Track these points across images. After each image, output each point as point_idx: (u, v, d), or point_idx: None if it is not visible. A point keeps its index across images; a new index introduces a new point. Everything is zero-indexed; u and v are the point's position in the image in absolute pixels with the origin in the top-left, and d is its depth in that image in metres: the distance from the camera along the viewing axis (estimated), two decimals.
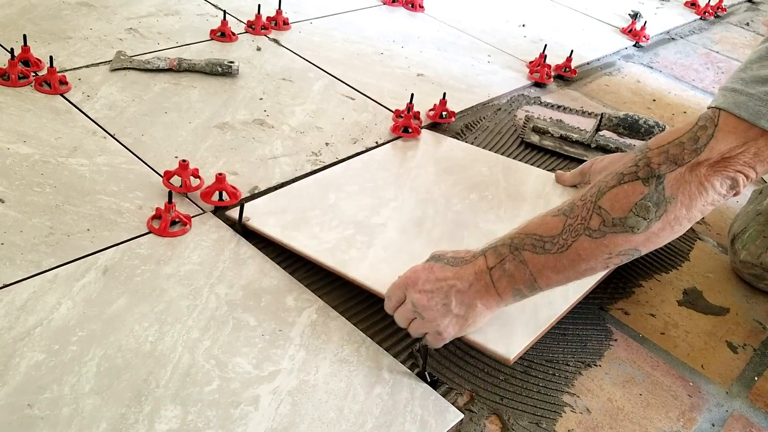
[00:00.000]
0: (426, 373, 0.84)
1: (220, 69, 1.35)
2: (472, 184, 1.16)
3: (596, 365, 0.92)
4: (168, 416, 0.74)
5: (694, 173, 0.74)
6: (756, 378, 0.96)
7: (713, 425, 0.88)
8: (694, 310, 1.05)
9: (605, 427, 0.84)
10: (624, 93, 1.66)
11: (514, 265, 0.79)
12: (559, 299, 0.93)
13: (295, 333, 0.87)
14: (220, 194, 1.03)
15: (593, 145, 1.36)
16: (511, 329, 0.87)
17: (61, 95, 1.22)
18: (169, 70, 1.34)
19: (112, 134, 1.15)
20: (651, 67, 1.81)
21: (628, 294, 1.05)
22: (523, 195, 1.15)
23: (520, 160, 1.30)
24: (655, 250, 1.14)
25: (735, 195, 0.77)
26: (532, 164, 1.30)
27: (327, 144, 1.23)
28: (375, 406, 0.80)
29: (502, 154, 1.31)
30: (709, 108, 0.77)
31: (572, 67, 1.64)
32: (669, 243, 1.16)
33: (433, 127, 1.35)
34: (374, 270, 0.94)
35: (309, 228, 1.01)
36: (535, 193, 1.16)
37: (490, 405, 0.84)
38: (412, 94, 1.31)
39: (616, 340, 0.97)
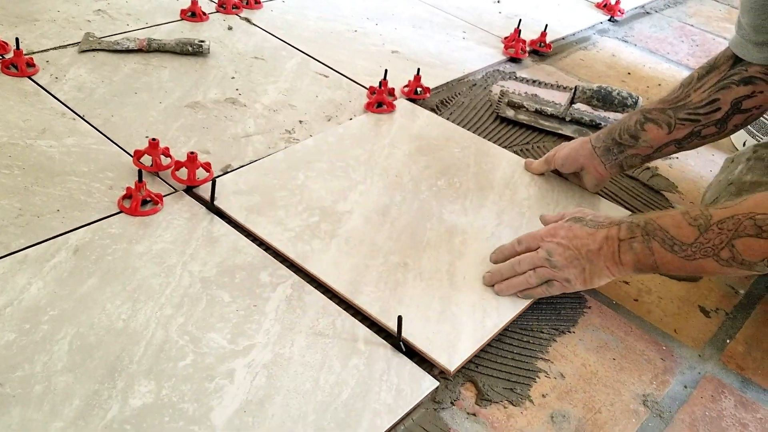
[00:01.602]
0: (401, 342, 0.84)
1: (190, 49, 1.34)
2: (443, 167, 1.16)
3: (570, 332, 0.93)
4: (142, 391, 0.74)
5: None
6: (728, 341, 0.97)
7: (686, 387, 0.89)
8: (667, 276, 1.06)
9: (579, 391, 0.85)
10: (599, 67, 1.66)
11: (642, 247, 0.83)
12: (507, 305, 0.92)
13: (269, 308, 0.86)
14: (192, 173, 1.02)
15: (568, 119, 1.37)
16: (456, 336, 0.86)
17: (29, 78, 1.20)
18: (139, 50, 1.33)
19: (82, 116, 1.14)
20: (626, 41, 1.82)
21: None
22: (492, 182, 1.14)
23: (495, 135, 1.31)
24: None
25: None
26: (507, 138, 1.31)
27: (300, 122, 1.23)
28: (351, 376, 0.80)
29: (477, 129, 1.31)
30: None
31: (547, 42, 1.64)
32: (642, 212, 1.19)
33: (410, 101, 1.34)
34: (335, 265, 0.93)
35: (274, 212, 1.00)
36: (504, 181, 1.15)
37: (465, 373, 0.84)
38: (386, 70, 1.30)
39: (590, 307, 0.97)
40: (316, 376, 0.79)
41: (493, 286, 0.93)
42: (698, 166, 1.33)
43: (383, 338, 0.86)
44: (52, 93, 1.18)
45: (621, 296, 1.00)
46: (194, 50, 1.34)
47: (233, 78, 1.31)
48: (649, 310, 0.99)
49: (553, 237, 0.89)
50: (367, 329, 0.86)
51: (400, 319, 0.83)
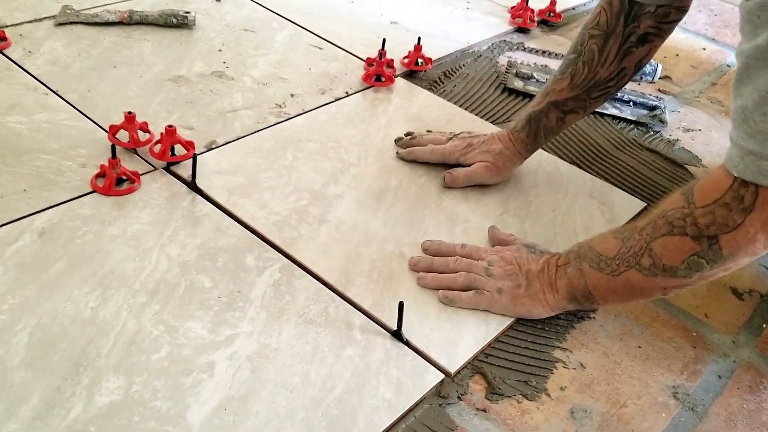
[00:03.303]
0: (401, 331, 0.75)
1: (174, 20, 1.25)
2: None
3: (590, 317, 0.84)
4: (110, 387, 0.66)
5: (758, 233, 0.66)
6: (765, 326, 0.88)
7: (720, 377, 0.80)
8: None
9: (601, 383, 0.76)
10: None
11: (573, 271, 0.77)
12: None
13: (255, 294, 0.78)
14: (173, 149, 0.93)
15: None
16: (458, 334, 0.77)
17: (0, 52, 1.11)
18: (120, 23, 1.24)
19: (55, 90, 1.05)
20: None
21: None
22: None
23: (502, 107, 1.21)
24: (653, 193, 1.07)
25: None
26: (516, 110, 1.21)
27: (292, 95, 1.14)
28: (345, 369, 0.71)
29: (483, 101, 1.22)
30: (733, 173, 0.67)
31: (557, 12, 1.54)
32: (664, 187, 1.09)
33: (409, 75, 1.25)
34: (324, 253, 0.85)
35: (259, 194, 0.92)
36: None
37: (474, 363, 0.76)
38: (384, 40, 1.21)
39: None
40: (306, 368, 0.71)
41: (417, 273, 0.84)
42: (722, 138, 1.24)
43: (382, 326, 0.77)
44: (24, 67, 1.09)
45: None
46: (179, 22, 1.25)
47: (220, 51, 1.22)
48: (676, 293, 0.90)
49: (498, 252, 0.84)
50: (364, 316, 0.78)
51: (401, 305, 0.74)
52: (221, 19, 1.32)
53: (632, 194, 1.05)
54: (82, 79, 1.09)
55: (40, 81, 1.06)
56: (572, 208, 1.00)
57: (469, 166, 0.99)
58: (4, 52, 1.12)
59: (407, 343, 0.75)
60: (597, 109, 1.23)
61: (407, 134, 1.06)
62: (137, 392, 0.66)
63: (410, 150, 1.03)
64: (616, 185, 1.06)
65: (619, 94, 1.27)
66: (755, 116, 0.62)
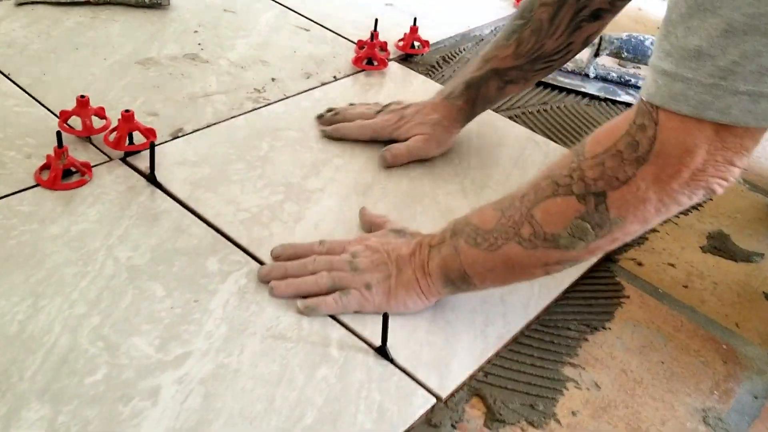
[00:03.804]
0: (386, 347, 0.64)
1: (147, 0, 1.14)
2: None
3: (605, 328, 0.73)
4: (31, 419, 0.55)
5: (649, 190, 0.56)
6: None
7: (756, 397, 0.69)
8: (721, 256, 0.85)
9: (619, 406, 0.65)
10: (624, 21, 1.45)
11: (448, 249, 0.67)
12: (517, 311, 0.72)
13: (215, 303, 0.67)
14: (131, 136, 0.83)
15: (592, 75, 1.16)
16: (451, 351, 0.66)
17: None
18: (86, 3, 1.13)
19: (7, 74, 0.95)
20: None
21: (641, 240, 0.85)
22: (497, 160, 0.94)
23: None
24: None
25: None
26: (521, 97, 1.10)
27: (273, 79, 1.03)
28: (318, 392, 0.60)
29: None
30: (641, 99, 0.57)
31: None
32: None
33: (404, 60, 1.14)
34: None
35: (227, 187, 0.81)
36: (511, 159, 0.95)
37: (471, 384, 0.65)
38: (377, 20, 1.10)
39: (628, 296, 0.77)
40: (271, 393, 0.60)
41: (269, 283, 0.69)
42: None
43: (363, 341, 0.66)
44: None
45: (666, 282, 0.80)
46: (152, 2, 1.15)
47: (196, 32, 1.11)
48: (702, 298, 0.79)
49: (363, 240, 0.72)
50: (344, 329, 0.67)
51: (386, 317, 0.63)
52: None
53: None
54: (39, 62, 0.98)
55: None
56: None
57: (405, 140, 0.89)
58: None
59: (393, 362, 0.64)
60: (609, 96, 1.12)
61: (329, 110, 0.95)
62: (64, 424, 0.55)
63: (336, 127, 0.91)
64: None
65: (633, 79, 1.15)
66: (678, 30, 0.53)
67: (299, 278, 0.69)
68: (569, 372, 0.67)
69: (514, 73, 0.87)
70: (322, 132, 0.92)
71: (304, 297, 0.68)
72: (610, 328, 0.73)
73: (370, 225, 0.78)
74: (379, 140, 0.90)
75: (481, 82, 0.88)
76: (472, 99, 0.89)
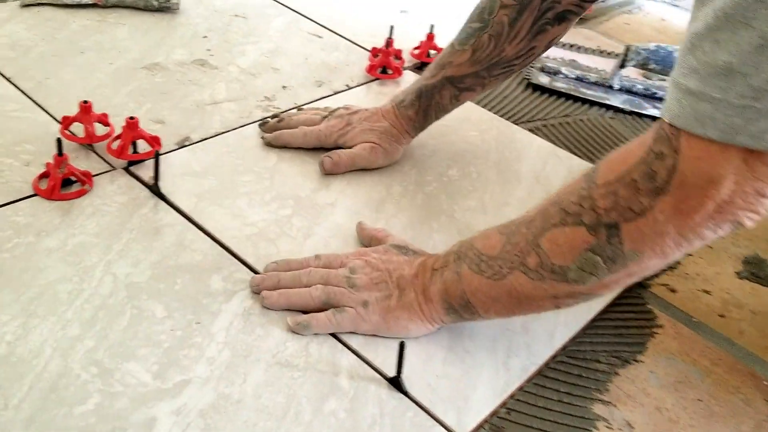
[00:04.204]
0: (401, 378, 0.59)
1: (156, 3, 1.10)
2: (456, 153, 0.91)
3: (637, 361, 0.68)
4: None
5: (669, 223, 0.50)
6: None
7: None
8: (759, 283, 0.80)
9: None
10: (647, 32, 1.40)
11: (451, 274, 0.62)
12: (542, 340, 0.66)
13: (218, 326, 0.62)
14: (134, 145, 0.78)
15: (616, 87, 1.11)
16: (470, 383, 0.61)
17: None
18: (94, 5, 1.09)
19: (8, 77, 0.91)
20: (676, 5, 1.55)
21: (674, 265, 0.80)
22: (518, 174, 0.89)
23: (526, 105, 1.06)
24: None
25: None
26: (542, 109, 1.05)
27: (284, 87, 0.99)
28: (326, 427, 0.56)
29: (503, 98, 1.06)
30: (661, 119, 0.51)
31: None
32: None
33: (420, 68, 1.10)
34: None
35: (233, 200, 0.76)
36: (533, 174, 0.90)
37: (492, 422, 0.59)
38: (392, 27, 1.06)
39: (661, 326, 0.72)
40: (275, 428, 0.55)
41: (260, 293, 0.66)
42: None
43: (376, 371, 0.61)
44: None
45: (701, 310, 0.75)
46: (161, 5, 1.11)
47: (205, 37, 1.07)
48: (740, 329, 0.74)
49: (362, 255, 0.68)
50: (354, 357, 0.62)
51: (402, 345, 0.58)
52: (209, 3, 1.17)
53: None
54: (42, 66, 0.94)
55: None
56: None
57: (350, 147, 0.84)
58: None
59: (407, 394, 0.59)
60: (635, 109, 1.07)
61: (273, 116, 0.89)
62: None
63: (278, 134, 0.85)
64: None
65: (659, 92, 1.10)
66: (705, 44, 0.47)
67: (292, 290, 0.64)
68: (599, 410, 0.62)
69: (469, 80, 0.82)
70: (263, 140, 0.86)
71: (297, 310, 0.64)
72: (642, 361, 0.68)
73: (369, 239, 0.73)
74: (325, 148, 0.85)
75: (434, 90, 0.83)
76: (424, 108, 0.84)
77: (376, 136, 0.84)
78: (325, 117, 0.87)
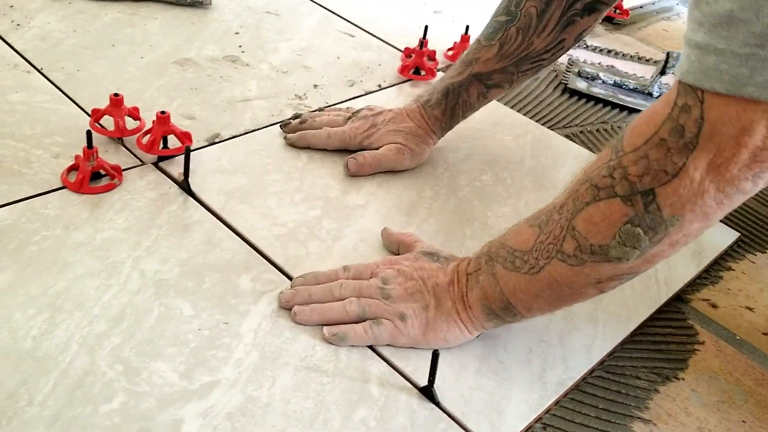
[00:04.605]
0: (433, 388, 0.57)
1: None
2: (490, 157, 0.89)
3: (678, 378, 0.65)
4: None
5: (705, 180, 0.48)
6: None
7: None
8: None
9: None
10: None
11: (486, 277, 0.60)
12: (578, 353, 0.64)
13: (246, 327, 0.61)
14: (165, 140, 0.77)
15: (656, 93, 1.08)
16: (504, 396, 0.59)
17: None
18: None
19: (39, 68, 0.90)
20: None
21: (715, 279, 0.78)
22: (553, 181, 0.87)
23: (562, 110, 1.03)
24: (750, 221, 0.87)
25: None
26: (578, 114, 1.03)
27: (315, 86, 0.97)
28: None
29: (539, 102, 1.04)
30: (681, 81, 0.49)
31: (624, 8, 1.35)
32: (763, 215, 0.90)
33: None
34: None
35: (263, 200, 0.75)
36: (569, 181, 0.87)
37: None
38: (426, 26, 1.04)
39: (702, 342, 0.69)
40: None
41: (292, 309, 0.63)
42: None
43: (407, 379, 0.59)
44: (8, 41, 0.94)
45: (744, 327, 0.72)
46: (193, 1, 1.10)
47: (237, 33, 1.06)
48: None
49: (393, 264, 0.65)
50: (385, 365, 0.60)
51: (436, 354, 0.56)
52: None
53: (722, 222, 0.85)
54: (73, 58, 0.93)
55: (24, 57, 0.92)
56: None
57: (375, 149, 0.82)
58: None
59: (439, 405, 0.57)
60: None
61: (294, 116, 0.87)
62: None
63: (301, 134, 0.83)
64: None
65: None
66: None
67: (325, 304, 0.62)
68: (639, 428, 0.60)
69: (498, 76, 0.80)
70: (286, 140, 0.84)
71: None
72: (683, 379, 0.65)
73: (397, 244, 0.71)
74: (349, 150, 0.83)
75: (461, 88, 0.81)
76: (451, 107, 0.82)
77: (402, 137, 0.82)
78: (349, 118, 0.85)
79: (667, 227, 0.51)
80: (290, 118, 0.87)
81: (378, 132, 0.83)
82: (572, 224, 0.54)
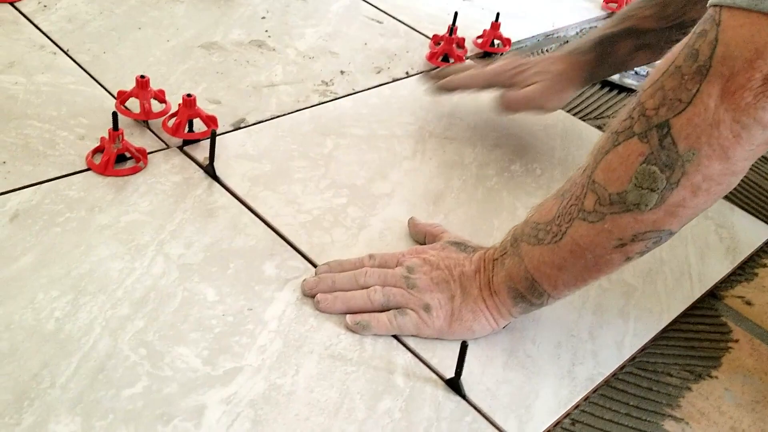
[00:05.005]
0: (460, 380, 0.56)
1: None
2: (519, 147, 0.87)
3: (711, 376, 0.63)
4: None
5: (719, 108, 0.47)
6: None
7: None
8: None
9: None
10: None
11: (511, 259, 0.59)
12: (609, 348, 0.62)
13: (271, 314, 0.60)
14: (191, 123, 0.76)
15: None
16: (532, 390, 0.57)
17: (11, 4, 0.97)
18: None
19: (65, 50, 0.90)
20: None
21: (749, 276, 0.75)
22: None
23: (593, 102, 1.01)
24: None
25: None
26: (609, 106, 1.01)
27: (342, 72, 0.96)
28: (380, 428, 0.53)
29: None
30: (708, 6, 0.48)
31: None
32: None
33: (482, 58, 1.06)
34: None
35: (288, 186, 0.74)
36: None
37: None
38: (456, 13, 1.02)
39: (736, 340, 0.67)
40: (328, 424, 0.52)
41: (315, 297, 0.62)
42: None
43: (432, 371, 0.58)
44: (35, 22, 0.94)
45: None
46: None
47: (264, 18, 1.05)
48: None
49: (420, 252, 0.64)
50: (410, 355, 0.59)
51: (464, 346, 0.55)
52: None
53: (758, 217, 0.83)
54: (99, 40, 0.93)
55: (50, 38, 0.91)
56: (683, 231, 0.78)
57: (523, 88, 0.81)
58: (16, 5, 0.97)
59: (465, 398, 0.56)
60: None
61: (432, 70, 0.89)
62: None
63: (449, 79, 0.84)
64: (737, 205, 0.84)
65: None
66: None
67: (349, 292, 0.61)
68: (671, 427, 0.58)
69: (651, 37, 0.78)
70: (433, 88, 0.86)
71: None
72: (716, 377, 0.63)
73: (424, 235, 0.69)
74: (497, 87, 0.83)
75: (614, 38, 0.80)
76: (601, 56, 0.81)
77: (550, 77, 0.81)
78: (489, 64, 0.86)
79: (684, 164, 0.49)
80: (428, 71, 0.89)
81: (527, 71, 0.82)
82: (592, 178, 0.53)
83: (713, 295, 0.72)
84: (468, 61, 0.89)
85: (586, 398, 0.58)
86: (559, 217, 0.55)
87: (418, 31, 1.09)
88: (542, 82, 0.80)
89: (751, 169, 0.91)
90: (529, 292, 0.58)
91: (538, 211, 0.58)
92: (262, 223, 0.69)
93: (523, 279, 0.57)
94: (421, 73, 0.99)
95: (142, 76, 0.77)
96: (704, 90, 0.47)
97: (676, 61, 0.48)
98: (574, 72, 0.81)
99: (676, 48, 0.50)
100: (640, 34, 0.78)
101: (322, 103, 0.88)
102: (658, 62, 0.52)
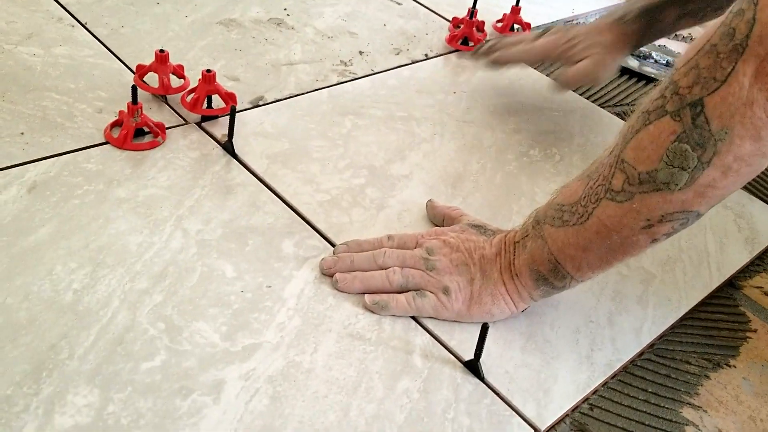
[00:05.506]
0: (479, 363, 0.56)
1: None
2: (538, 132, 0.86)
3: (729, 366, 0.63)
4: (77, 404, 0.48)
5: (753, 87, 0.46)
6: None
7: None
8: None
9: None
10: None
11: (533, 242, 0.58)
12: (628, 334, 0.62)
13: (289, 292, 0.60)
14: (209, 99, 0.76)
15: None
16: (551, 375, 0.57)
17: None
18: None
19: (83, 23, 0.89)
20: None
21: None
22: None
23: (612, 89, 1.00)
24: None
25: None
26: (628, 94, 1.00)
27: (361, 53, 0.95)
28: (399, 408, 0.53)
29: None
30: None
31: None
32: None
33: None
34: None
35: (306, 165, 0.73)
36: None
37: (574, 417, 0.56)
38: None
39: (755, 330, 0.67)
40: (346, 402, 0.52)
41: (333, 276, 0.61)
42: None
43: (451, 353, 0.58)
44: None
45: None
46: None
47: None
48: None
49: (439, 234, 0.64)
50: (429, 336, 0.59)
51: (485, 328, 0.55)
52: None
53: None
54: (118, 13, 0.92)
55: (68, 11, 0.91)
56: (702, 220, 0.78)
57: (575, 63, 0.82)
58: None
59: (484, 380, 0.56)
60: None
61: (481, 45, 0.90)
62: (113, 414, 0.48)
63: (502, 53, 0.85)
64: (756, 195, 0.84)
65: None
66: None
67: (367, 272, 0.61)
68: (689, 414, 0.58)
69: (694, 5, 0.80)
70: (485, 64, 0.88)
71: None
72: (735, 366, 0.63)
73: (442, 217, 0.69)
74: (547, 62, 0.85)
75: (660, 7, 0.81)
76: (646, 25, 0.82)
77: (600, 49, 0.82)
78: (539, 36, 0.86)
79: (716, 143, 0.48)
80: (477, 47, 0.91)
81: (578, 45, 0.83)
82: (621, 157, 0.52)
83: (732, 284, 0.71)
84: (517, 34, 0.89)
85: (604, 384, 0.58)
86: (585, 198, 0.54)
87: (437, 14, 1.08)
88: (594, 55, 0.81)
89: None
90: (551, 274, 0.57)
91: (561, 193, 0.58)
92: (281, 202, 0.69)
93: (546, 261, 0.57)
94: (441, 55, 0.98)
95: (162, 51, 0.77)
96: (739, 69, 0.46)
97: (712, 40, 0.48)
98: (622, 42, 0.82)
99: (711, 26, 0.49)
100: (684, 2, 0.79)
101: (341, 83, 0.88)
102: (696, 38, 0.51)
